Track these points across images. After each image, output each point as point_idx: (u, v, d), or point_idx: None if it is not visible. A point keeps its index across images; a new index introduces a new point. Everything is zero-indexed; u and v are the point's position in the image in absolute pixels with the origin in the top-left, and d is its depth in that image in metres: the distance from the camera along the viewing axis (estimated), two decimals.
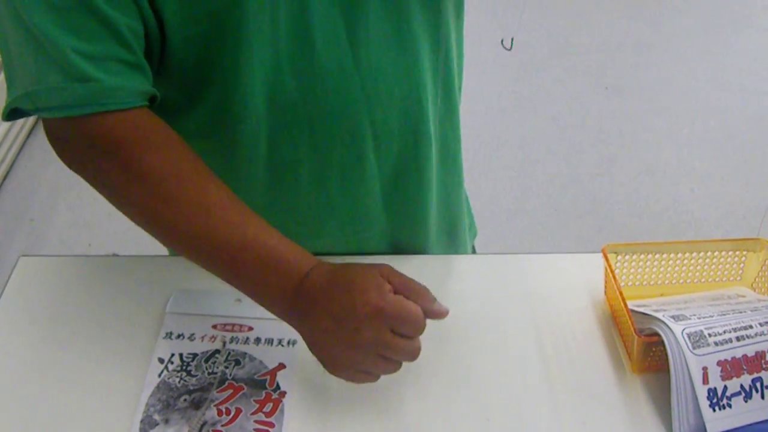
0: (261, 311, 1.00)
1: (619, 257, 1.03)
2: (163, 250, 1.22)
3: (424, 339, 0.92)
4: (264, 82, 0.89)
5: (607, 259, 1.00)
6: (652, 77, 3.64)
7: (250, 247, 0.82)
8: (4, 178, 3.01)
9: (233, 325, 0.99)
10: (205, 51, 0.86)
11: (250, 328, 0.99)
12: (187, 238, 0.84)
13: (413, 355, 0.80)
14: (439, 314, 0.81)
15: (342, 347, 0.79)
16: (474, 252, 1.38)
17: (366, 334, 0.77)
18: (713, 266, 1.05)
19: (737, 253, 1.05)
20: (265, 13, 0.83)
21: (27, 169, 3.06)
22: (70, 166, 0.87)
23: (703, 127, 3.32)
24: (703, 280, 1.06)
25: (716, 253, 1.05)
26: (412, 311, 0.78)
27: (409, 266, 1.09)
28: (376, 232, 1.10)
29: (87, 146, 0.84)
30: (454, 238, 1.21)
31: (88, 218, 2.84)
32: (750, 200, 2.97)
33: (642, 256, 1.03)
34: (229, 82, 0.88)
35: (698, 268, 1.05)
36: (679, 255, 1.04)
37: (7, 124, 2.97)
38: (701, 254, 1.04)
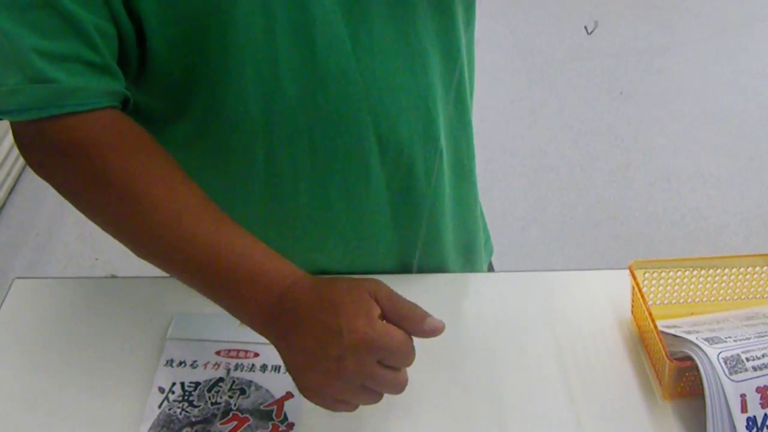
0: None
1: (647, 274, 0.97)
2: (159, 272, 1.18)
3: (439, 362, 0.86)
4: (260, 89, 0.84)
5: (634, 277, 0.94)
6: (666, 82, 3.58)
7: (224, 256, 0.76)
8: (10, 192, 2.97)
9: (238, 351, 0.94)
10: (189, 54, 0.81)
11: (256, 354, 0.93)
12: (157, 246, 0.79)
13: (398, 387, 0.74)
14: (432, 332, 0.74)
15: (323, 374, 0.72)
16: (491, 269, 1.32)
17: (350, 364, 0.70)
18: (746, 282, 1.00)
19: None
20: (257, 15, 0.78)
21: (33, 183, 3.02)
22: (38, 173, 0.81)
23: (719, 131, 3.26)
24: (735, 297, 1.00)
25: (749, 269, 0.99)
26: (402, 342, 0.72)
27: (421, 286, 1.05)
28: (382, 249, 1.04)
29: (50, 151, 0.78)
30: (471, 257, 1.15)
31: (95, 232, 2.77)
32: None
33: (670, 273, 0.98)
34: (218, 88, 0.83)
35: (730, 284, 1.00)
36: (710, 271, 0.98)
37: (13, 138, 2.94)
38: (733, 270, 0.99)
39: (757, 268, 0.99)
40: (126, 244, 0.81)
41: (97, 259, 2.71)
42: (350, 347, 0.70)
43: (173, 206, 0.77)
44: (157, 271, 1.11)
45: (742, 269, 0.99)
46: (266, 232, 1.01)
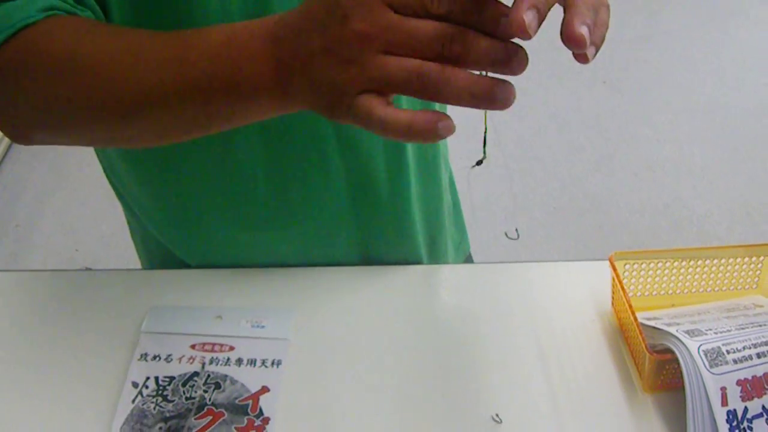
0: (243, 329, 0.93)
1: (627, 266, 0.96)
2: (139, 263, 1.16)
3: (415, 357, 0.84)
4: None
5: (614, 269, 0.93)
6: (650, 72, 3.57)
7: (196, 44, 0.66)
8: None
9: (213, 344, 0.92)
10: (144, 13, 0.78)
11: (232, 348, 0.92)
12: (127, 93, 0.68)
13: (438, 32, 0.54)
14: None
15: (333, 54, 0.56)
16: (469, 261, 1.31)
17: (359, 17, 0.55)
18: (728, 274, 0.99)
19: (753, 259, 0.98)
20: None
21: (12, 173, 2.99)
22: (10, 130, 0.75)
23: (703, 121, 3.26)
24: (717, 288, 0.99)
25: (731, 260, 0.98)
26: None
27: (391, 278, 1.03)
28: (343, 241, 1.02)
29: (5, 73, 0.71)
30: (436, 254, 1.13)
31: (75, 223, 2.78)
32: (752, 196, 2.90)
33: (651, 264, 0.97)
34: None
35: (711, 276, 0.98)
36: (691, 263, 0.97)
37: None
38: (714, 261, 0.98)
39: (739, 260, 0.98)
40: (108, 126, 0.74)
41: (77, 250, 2.69)
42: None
43: (125, 45, 0.70)
44: (132, 264, 1.10)
45: (723, 260, 0.98)
46: (225, 222, 0.99)
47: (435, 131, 0.55)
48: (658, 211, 2.82)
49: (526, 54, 0.55)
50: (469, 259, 1.32)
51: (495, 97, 0.54)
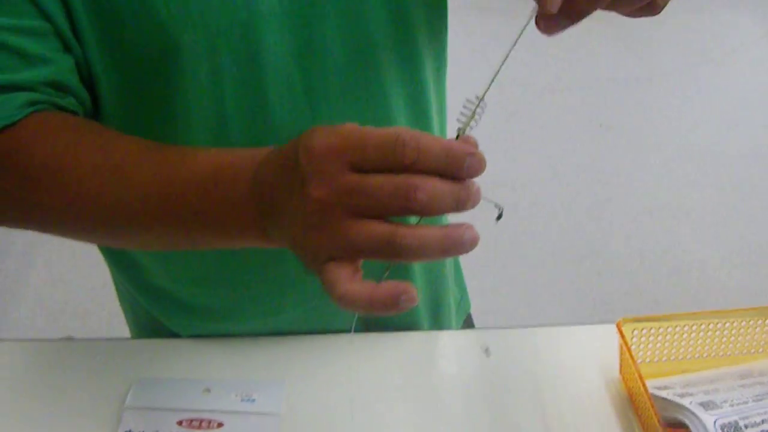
0: (232, 403, 0.89)
1: (635, 331, 0.92)
2: (123, 332, 1.11)
3: (415, 426, 0.80)
4: (207, 140, 0.78)
5: (622, 335, 0.88)
6: (646, 113, 3.55)
7: (178, 177, 0.65)
8: None
9: (201, 420, 0.87)
10: (134, 104, 0.76)
11: (220, 424, 0.87)
12: (113, 212, 0.67)
13: (400, 186, 0.51)
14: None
15: (300, 221, 0.54)
16: (470, 322, 1.26)
17: (314, 182, 0.52)
18: (740, 337, 0.94)
19: (766, 321, 0.94)
20: (203, 62, 0.73)
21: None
22: None
23: (700, 164, 3.23)
24: (729, 353, 0.95)
25: (743, 323, 0.94)
26: (386, 131, 0.52)
27: (391, 345, 0.98)
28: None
29: None
30: (440, 316, 1.09)
31: (65, 275, 2.72)
32: (752, 238, 2.87)
33: (660, 329, 0.92)
34: (165, 140, 0.77)
35: (723, 340, 0.94)
36: (702, 326, 0.93)
37: None
38: (726, 324, 0.93)
39: (751, 322, 0.94)
40: (88, 235, 0.74)
41: (66, 302, 2.64)
42: (309, 163, 0.53)
43: (110, 163, 0.68)
44: (116, 332, 1.05)
45: (735, 323, 0.94)
46: (220, 293, 0.95)
47: (396, 306, 0.52)
48: (657, 256, 2.78)
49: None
50: (469, 319, 1.28)
51: (465, 246, 0.53)
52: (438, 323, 1.08)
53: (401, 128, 0.52)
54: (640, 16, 0.56)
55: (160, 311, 1.01)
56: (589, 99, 3.60)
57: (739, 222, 2.94)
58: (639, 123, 3.48)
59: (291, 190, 0.54)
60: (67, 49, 0.72)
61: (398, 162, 0.51)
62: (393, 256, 0.52)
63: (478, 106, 0.58)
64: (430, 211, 0.51)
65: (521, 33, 0.59)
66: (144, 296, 1.00)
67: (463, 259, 1.24)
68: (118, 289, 1.09)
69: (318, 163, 0.52)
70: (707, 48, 4.05)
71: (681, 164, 3.22)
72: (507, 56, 0.59)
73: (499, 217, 0.61)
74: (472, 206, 0.53)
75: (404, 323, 1.01)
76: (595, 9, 0.51)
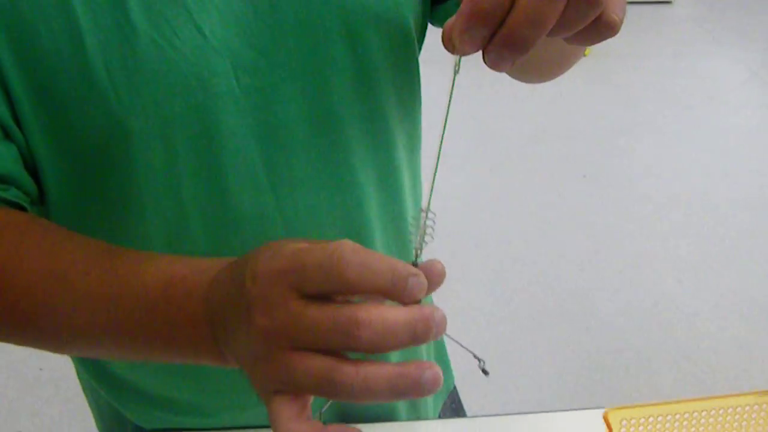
0: None
1: (624, 422, 0.86)
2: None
3: None
4: (164, 233, 0.73)
5: (610, 429, 0.82)
6: (631, 162, 3.53)
7: (131, 287, 0.61)
8: None
9: None
10: (84, 195, 0.71)
11: None
12: (60, 325, 0.64)
13: (339, 321, 0.46)
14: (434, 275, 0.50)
15: (249, 351, 0.51)
16: (456, 398, 1.20)
17: (257, 311, 0.49)
18: (735, 424, 0.89)
19: (764, 406, 0.89)
20: (157, 149, 0.68)
21: None
22: None
23: (687, 213, 3.20)
24: None
25: (738, 409, 0.88)
26: (323, 250, 0.47)
27: None
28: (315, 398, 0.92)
29: None
30: (416, 402, 1.02)
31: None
32: (742, 289, 2.82)
33: (651, 419, 0.86)
34: (117, 233, 0.73)
35: (718, 428, 0.89)
36: (695, 414, 0.87)
37: None
38: (721, 411, 0.88)
39: (747, 408, 0.88)
40: (35, 344, 0.68)
41: (41, 369, 2.57)
42: (253, 287, 0.50)
43: (56, 270, 0.64)
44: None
45: (731, 409, 0.88)
46: (181, 385, 0.89)
47: None
48: (645, 310, 2.73)
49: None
50: (453, 393, 1.22)
51: (423, 389, 0.47)
52: (416, 410, 1.02)
53: (345, 244, 0.47)
54: (597, 40, 0.50)
55: (120, 402, 0.95)
56: (573, 150, 3.58)
57: (729, 273, 2.90)
58: (623, 173, 3.46)
59: (239, 316, 0.51)
60: (7, 136, 0.67)
61: (340, 283, 0.46)
62: (334, 396, 0.47)
63: (426, 218, 0.52)
64: (378, 348, 0.46)
65: (451, 97, 0.55)
66: (104, 386, 0.94)
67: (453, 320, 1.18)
68: (80, 379, 1.03)
69: (261, 287, 0.49)
70: (689, 95, 4.06)
71: (666, 214, 3.19)
72: (442, 137, 0.54)
73: (484, 371, 0.56)
74: (435, 338, 0.48)
75: (379, 413, 0.95)
76: (540, 36, 0.46)
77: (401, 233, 0.86)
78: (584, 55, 1.77)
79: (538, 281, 2.86)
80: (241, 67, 0.68)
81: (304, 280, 0.47)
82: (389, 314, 0.46)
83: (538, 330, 2.66)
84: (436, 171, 0.53)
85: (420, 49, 0.82)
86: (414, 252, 0.52)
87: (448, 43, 0.49)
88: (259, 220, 0.74)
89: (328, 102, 0.73)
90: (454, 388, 1.22)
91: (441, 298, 1.15)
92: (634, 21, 4.97)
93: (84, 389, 1.04)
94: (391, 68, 0.76)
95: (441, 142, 0.53)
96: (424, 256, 0.50)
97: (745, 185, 3.36)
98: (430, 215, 0.52)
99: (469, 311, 2.69)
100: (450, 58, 0.49)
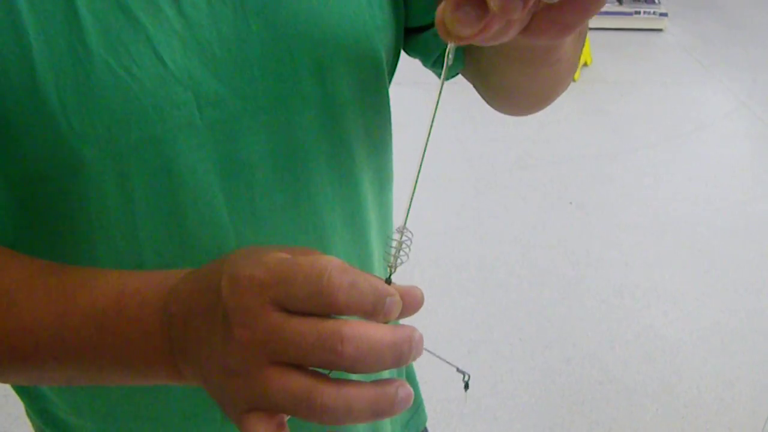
0: None
1: None
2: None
3: None
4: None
5: None
6: (617, 190, 3.50)
7: (79, 302, 0.58)
8: None
9: None
10: (32, 225, 0.66)
11: None
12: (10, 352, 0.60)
13: (324, 336, 0.44)
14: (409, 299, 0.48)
15: (218, 360, 0.48)
16: None
17: (235, 324, 0.46)
18: None
19: None
20: (110, 182, 0.63)
21: None
22: None
23: (672, 242, 3.17)
24: None
25: None
26: (306, 264, 0.46)
27: None
28: None
29: None
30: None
31: None
32: (727, 320, 2.79)
33: None
34: None
35: None
36: None
37: None
38: None
39: None
40: None
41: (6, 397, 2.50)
42: (231, 295, 0.47)
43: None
44: None
45: None
46: (131, 429, 0.84)
47: None
48: (628, 341, 2.69)
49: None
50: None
51: (397, 407, 0.46)
52: None
53: (332, 262, 0.46)
54: (557, 37, 0.46)
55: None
56: (559, 176, 3.55)
57: (712, 303, 2.87)
58: (608, 200, 3.43)
59: (212, 326, 0.48)
60: None
61: (328, 305, 0.44)
62: (311, 418, 0.44)
63: (402, 236, 0.50)
64: (361, 368, 0.44)
65: (440, 92, 0.53)
66: (48, 428, 0.88)
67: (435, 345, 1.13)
68: (33, 424, 0.97)
69: (241, 297, 0.46)
70: (677, 123, 4.04)
71: (651, 243, 3.17)
72: (420, 166, 0.51)
73: (466, 386, 0.54)
74: (414, 359, 0.47)
75: None
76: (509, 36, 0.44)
77: (367, 271, 0.81)
78: (573, 81, 1.75)
79: (520, 308, 2.82)
80: (204, 97, 0.63)
81: (288, 296, 0.45)
82: (374, 332, 0.44)
83: (519, 359, 2.61)
84: (414, 188, 0.51)
85: (392, 77, 0.79)
86: (388, 269, 0.51)
87: (441, 28, 0.44)
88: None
89: (293, 137, 0.68)
90: (425, 429, 1.17)
91: (420, 323, 1.10)
92: (624, 48, 4.96)
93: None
94: (359, 102, 0.72)
95: (424, 151, 0.52)
96: (401, 277, 0.48)
97: (731, 215, 3.34)
98: (407, 234, 0.50)
99: (450, 337, 2.65)
100: (434, 81, 0.46)
